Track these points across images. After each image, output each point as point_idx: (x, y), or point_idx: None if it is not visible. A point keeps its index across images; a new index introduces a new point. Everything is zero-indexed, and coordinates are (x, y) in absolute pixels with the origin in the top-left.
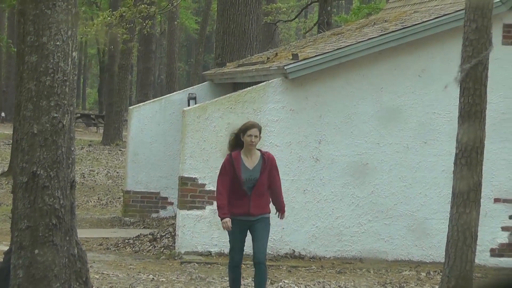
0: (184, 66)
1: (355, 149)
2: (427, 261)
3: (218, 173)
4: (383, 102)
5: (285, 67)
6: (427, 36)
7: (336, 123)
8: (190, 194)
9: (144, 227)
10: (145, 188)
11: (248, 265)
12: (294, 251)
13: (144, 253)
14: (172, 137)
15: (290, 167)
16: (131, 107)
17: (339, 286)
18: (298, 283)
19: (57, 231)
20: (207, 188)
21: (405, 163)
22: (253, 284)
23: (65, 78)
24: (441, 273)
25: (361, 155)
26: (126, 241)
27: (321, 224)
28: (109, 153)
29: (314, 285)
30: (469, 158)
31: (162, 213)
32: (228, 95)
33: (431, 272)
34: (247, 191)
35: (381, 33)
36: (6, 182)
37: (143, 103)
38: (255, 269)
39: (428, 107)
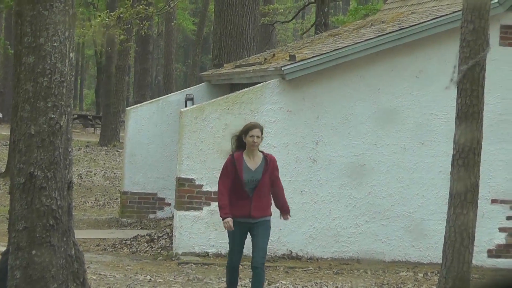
0: (182, 67)
1: (352, 150)
2: (425, 262)
3: (215, 174)
4: (380, 103)
5: (282, 68)
6: (425, 37)
7: (333, 124)
8: (187, 195)
9: (141, 228)
10: (142, 189)
11: (245, 266)
12: (291, 252)
13: (141, 254)
14: (169, 138)
15: (287, 168)
16: (128, 108)
17: (336, 287)
18: (295, 284)
19: (55, 232)
20: (204, 189)
21: (402, 164)
22: (249, 286)
23: (62, 79)
24: (438, 274)
25: (358, 156)
26: (124, 242)
27: (318, 225)
28: (106, 154)
29: (311, 286)
30: (466, 159)
31: (159, 214)
32: (225, 96)
33: (428, 273)
34: (249, 192)
35: (379, 34)
36: (3, 183)
37: (140, 104)
38: (253, 273)
39: (425, 108)
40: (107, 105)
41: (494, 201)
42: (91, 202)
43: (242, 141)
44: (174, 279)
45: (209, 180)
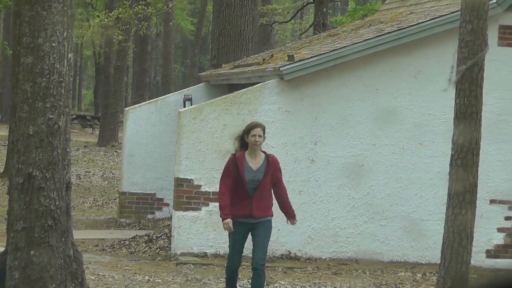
0: (180, 68)
1: (351, 150)
2: (423, 262)
3: (214, 174)
4: (378, 103)
5: (281, 69)
6: (423, 37)
7: (332, 124)
8: (186, 195)
9: (139, 228)
10: (141, 189)
11: (243, 266)
12: (289, 252)
13: (139, 254)
14: (168, 138)
15: (285, 168)
16: (126, 109)
17: (334, 287)
18: (294, 284)
19: (53, 232)
20: (202, 189)
21: (400, 164)
22: (248, 286)
23: (60, 79)
24: (436, 274)
25: (356, 156)
26: (122, 242)
27: (317, 225)
28: (105, 154)
29: (309, 286)
30: (465, 159)
31: (158, 214)
32: (223, 96)
33: (427, 273)
34: (250, 192)
35: (377, 35)
36: (2, 183)
37: (139, 104)
38: (253, 274)
39: (424, 109)
40: (105, 106)
41: (492, 202)
42: (90, 203)
43: (245, 140)
44: (172, 279)
45: (207, 180)
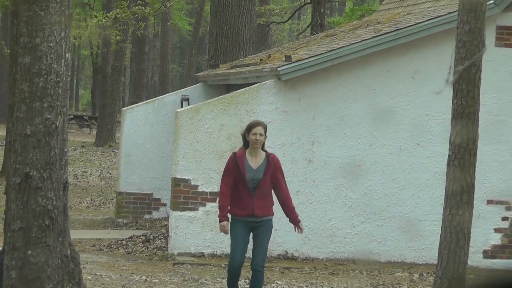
0: (177, 68)
1: (348, 151)
2: (420, 263)
3: (211, 174)
4: (376, 103)
5: (278, 69)
6: (420, 37)
7: (329, 124)
8: (183, 195)
9: (137, 228)
10: (138, 189)
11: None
12: (286, 252)
13: (137, 254)
14: (165, 138)
15: (283, 168)
16: (124, 109)
17: (331, 287)
18: (291, 284)
19: (50, 232)
20: (200, 189)
21: (398, 164)
22: (247, 286)
23: (58, 79)
24: (434, 275)
25: (354, 157)
26: (119, 242)
27: (314, 225)
28: (102, 154)
29: (306, 286)
30: (462, 159)
31: (155, 214)
32: (221, 96)
33: (424, 274)
34: (251, 191)
35: (374, 35)
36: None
37: (136, 104)
38: (252, 274)
39: (421, 109)
40: (103, 106)
41: (489, 202)
42: (87, 203)
43: (246, 139)
44: (169, 279)
45: (204, 180)
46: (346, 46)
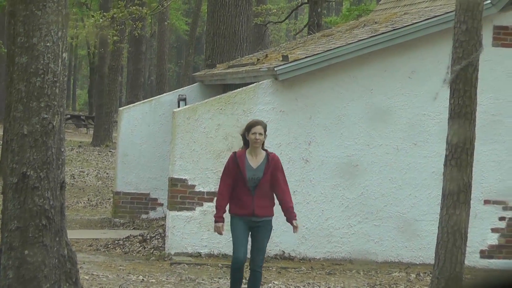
0: (174, 68)
1: (345, 151)
2: (417, 263)
3: (208, 174)
4: (373, 103)
5: (275, 69)
6: (417, 37)
7: (326, 124)
8: (180, 195)
9: (134, 228)
10: (135, 189)
11: None
12: (283, 252)
13: (134, 254)
14: (162, 138)
15: None
16: (121, 108)
17: (328, 287)
18: (288, 284)
19: (47, 232)
20: (197, 189)
21: (395, 164)
22: (244, 286)
23: (55, 79)
24: (431, 275)
25: (351, 157)
26: (116, 242)
27: (311, 225)
28: (99, 154)
29: (303, 286)
30: (459, 159)
31: (152, 214)
32: (218, 96)
33: (421, 274)
34: (251, 191)
35: (371, 35)
36: None
37: (133, 104)
38: (250, 274)
39: (418, 109)
40: (100, 105)
41: (486, 202)
42: (84, 202)
43: (246, 139)
44: (166, 279)
45: (201, 180)
46: (343, 46)
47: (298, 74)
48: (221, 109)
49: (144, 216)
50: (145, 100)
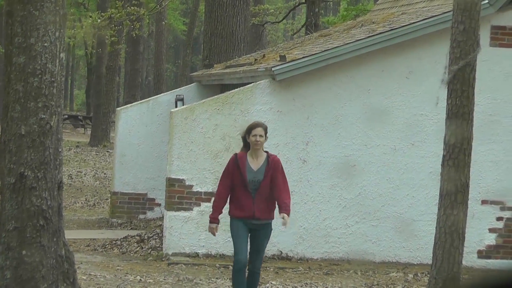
0: (172, 68)
1: (343, 151)
2: (415, 263)
3: (205, 174)
4: (370, 103)
5: (273, 69)
6: (415, 37)
7: (324, 124)
8: (178, 195)
9: (131, 228)
10: (133, 189)
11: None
12: (281, 252)
13: (131, 254)
14: (160, 138)
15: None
16: (118, 109)
17: (326, 287)
18: (285, 284)
19: (45, 232)
20: (194, 189)
21: (392, 164)
22: None
23: (52, 79)
24: (428, 275)
25: (348, 157)
26: (114, 242)
27: (308, 225)
28: (97, 154)
29: (301, 286)
30: (457, 159)
31: (150, 214)
32: (215, 96)
33: (419, 274)
34: (252, 193)
35: (369, 35)
36: None
37: (131, 104)
38: (248, 275)
39: (416, 109)
40: (97, 106)
41: (484, 202)
42: (81, 203)
43: (247, 141)
44: (164, 279)
45: (199, 180)
46: (341, 46)
47: (295, 74)
48: (218, 109)
49: (141, 216)
50: (143, 100)
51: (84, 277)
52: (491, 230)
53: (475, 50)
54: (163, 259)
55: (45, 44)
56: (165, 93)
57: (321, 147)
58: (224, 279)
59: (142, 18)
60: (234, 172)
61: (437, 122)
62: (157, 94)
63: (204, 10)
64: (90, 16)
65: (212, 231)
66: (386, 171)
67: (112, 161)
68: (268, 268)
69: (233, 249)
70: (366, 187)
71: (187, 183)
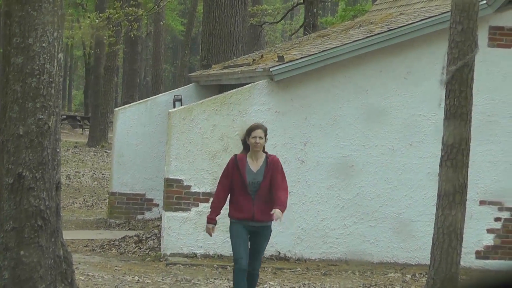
0: (170, 68)
1: (341, 151)
2: (413, 263)
3: (203, 175)
4: (368, 104)
5: (271, 69)
6: (413, 38)
7: (322, 125)
8: (176, 195)
9: (129, 229)
10: (131, 189)
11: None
12: (279, 252)
13: (129, 255)
14: (158, 139)
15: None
16: (116, 109)
17: None
18: (284, 285)
19: (43, 232)
20: (192, 189)
21: (390, 165)
22: None
23: (51, 79)
24: (426, 275)
25: (346, 157)
26: (112, 242)
27: (306, 226)
28: (95, 154)
29: (299, 287)
30: (455, 160)
31: (148, 215)
32: (213, 97)
33: (417, 274)
34: (252, 195)
35: (367, 35)
36: None
37: (129, 104)
38: (248, 275)
39: (414, 109)
40: (95, 106)
41: (482, 202)
42: (79, 203)
43: (246, 143)
44: (162, 280)
45: (197, 181)
46: (339, 46)
47: (293, 74)
48: (216, 109)
49: (139, 216)
50: (141, 101)
51: (82, 278)
52: (489, 231)
53: (473, 50)
54: (161, 259)
55: (43, 45)
56: (163, 94)
57: (319, 147)
58: (222, 279)
59: (140, 19)
60: (234, 174)
61: (435, 122)
62: (155, 95)
63: (202, 10)
64: (88, 17)
65: (209, 232)
66: (384, 172)
67: (110, 161)
68: (266, 269)
69: (231, 250)
70: (364, 187)
71: (185, 184)
